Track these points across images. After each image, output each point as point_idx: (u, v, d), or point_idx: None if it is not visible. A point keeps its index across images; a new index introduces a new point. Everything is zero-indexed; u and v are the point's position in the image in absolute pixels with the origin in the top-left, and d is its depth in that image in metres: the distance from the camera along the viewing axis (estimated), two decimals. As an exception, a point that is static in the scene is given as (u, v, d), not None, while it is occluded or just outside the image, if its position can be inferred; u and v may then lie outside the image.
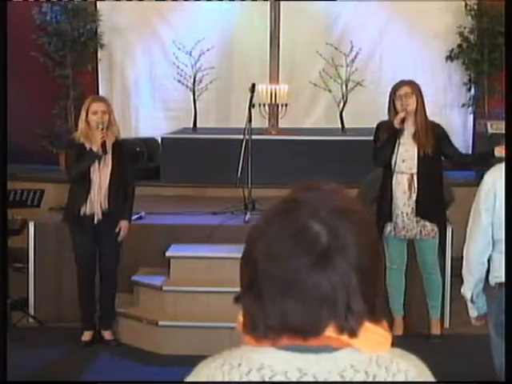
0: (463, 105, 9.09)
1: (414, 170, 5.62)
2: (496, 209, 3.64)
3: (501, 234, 3.62)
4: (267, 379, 1.25)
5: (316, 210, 1.25)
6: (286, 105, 8.32)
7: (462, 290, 3.84)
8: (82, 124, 5.61)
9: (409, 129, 5.63)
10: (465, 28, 8.86)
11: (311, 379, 1.24)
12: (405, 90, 5.60)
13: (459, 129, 9.17)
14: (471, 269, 3.76)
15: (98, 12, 9.20)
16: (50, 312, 6.26)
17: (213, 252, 6.03)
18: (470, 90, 9.06)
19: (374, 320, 1.27)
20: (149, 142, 8.71)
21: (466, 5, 8.84)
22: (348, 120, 8.65)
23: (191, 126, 8.90)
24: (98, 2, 9.30)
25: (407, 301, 5.95)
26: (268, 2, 8.59)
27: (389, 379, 1.26)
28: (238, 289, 1.30)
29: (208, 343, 5.29)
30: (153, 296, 5.98)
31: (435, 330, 5.87)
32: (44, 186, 6.92)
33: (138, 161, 8.22)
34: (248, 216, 6.58)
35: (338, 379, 1.25)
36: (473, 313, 3.84)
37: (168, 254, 6.06)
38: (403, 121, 5.58)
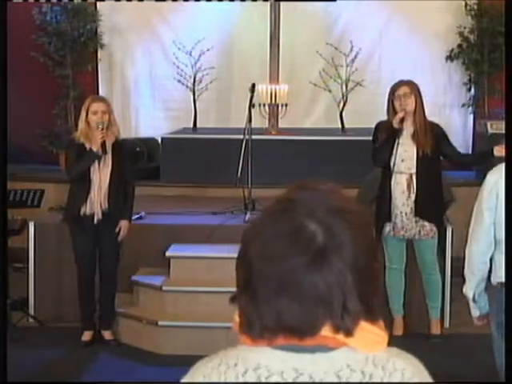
0: (463, 105, 9.09)
1: (413, 170, 5.62)
2: (498, 209, 3.64)
3: (503, 234, 3.63)
4: (263, 379, 1.25)
5: (312, 210, 1.25)
6: (286, 105, 8.32)
7: (463, 290, 3.84)
8: (81, 124, 5.61)
9: (408, 129, 5.63)
10: (465, 28, 8.86)
11: (307, 379, 1.24)
12: (404, 90, 5.60)
13: (459, 129, 9.18)
14: (473, 268, 3.77)
15: (97, 12, 9.20)
16: (50, 312, 6.27)
17: (213, 252, 6.03)
18: (470, 90, 9.06)
19: (370, 319, 1.27)
20: (149, 142, 8.72)
21: (466, 5, 8.84)
22: (348, 120, 8.65)
23: (191, 125, 8.90)
24: (98, 2, 9.30)
25: (407, 301, 5.95)
26: (268, 3, 8.59)
27: (385, 378, 1.26)
28: (237, 289, 1.30)
29: (208, 343, 5.28)
30: (153, 296, 5.98)
31: (435, 329, 5.87)
32: (44, 186, 6.92)
33: (138, 161, 8.22)
34: (248, 216, 6.58)
35: (335, 379, 1.25)
36: (475, 312, 3.84)
37: (168, 254, 6.07)
38: (402, 121, 5.58)
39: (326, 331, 1.24)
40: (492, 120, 8.20)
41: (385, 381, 1.26)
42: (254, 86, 7.18)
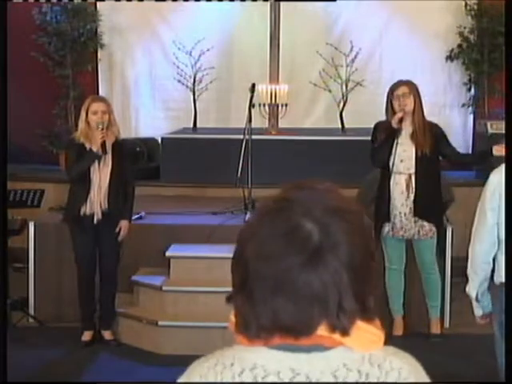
0: (463, 105, 9.08)
1: (412, 170, 5.62)
2: (501, 209, 3.64)
3: None
4: (260, 379, 1.25)
5: (308, 209, 1.25)
6: (286, 105, 8.32)
7: (467, 289, 3.84)
8: (81, 124, 5.61)
9: (407, 129, 5.63)
10: (465, 28, 8.85)
11: (304, 379, 1.24)
12: (402, 90, 5.60)
13: (459, 129, 9.18)
14: (476, 268, 3.77)
15: (97, 12, 9.20)
16: (50, 312, 6.27)
17: (213, 252, 6.03)
18: (470, 90, 9.05)
19: (366, 318, 1.27)
20: (149, 142, 8.71)
21: (466, 5, 8.83)
22: (348, 120, 8.65)
23: (191, 126, 8.90)
24: (97, 2, 9.30)
25: (407, 300, 5.95)
26: (268, 3, 8.59)
27: (382, 377, 1.26)
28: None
29: (207, 343, 5.28)
30: (153, 296, 5.98)
31: (435, 329, 5.87)
32: (44, 186, 6.92)
33: (138, 161, 8.22)
34: (248, 216, 6.58)
35: (331, 379, 1.25)
36: (478, 311, 3.85)
37: (168, 254, 6.07)
38: (401, 121, 5.57)
39: (322, 331, 1.24)
40: (492, 120, 8.20)
41: (381, 380, 1.26)
42: (253, 86, 7.18)
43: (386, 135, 5.62)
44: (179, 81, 8.94)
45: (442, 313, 5.96)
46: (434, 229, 5.68)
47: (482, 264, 3.75)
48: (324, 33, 9.19)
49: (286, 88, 8.39)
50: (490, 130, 8.05)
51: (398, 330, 5.85)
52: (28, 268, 6.38)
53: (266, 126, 8.46)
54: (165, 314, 5.83)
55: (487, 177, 3.77)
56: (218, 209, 6.96)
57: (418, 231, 5.67)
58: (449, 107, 9.22)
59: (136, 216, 6.33)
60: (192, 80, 8.89)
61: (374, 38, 9.21)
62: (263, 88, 8.23)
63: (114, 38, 9.36)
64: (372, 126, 5.93)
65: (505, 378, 3.43)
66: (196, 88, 8.88)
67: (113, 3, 9.22)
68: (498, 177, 3.68)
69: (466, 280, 3.86)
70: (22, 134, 8.75)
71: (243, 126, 6.96)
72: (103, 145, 5.53)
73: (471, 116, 9.15)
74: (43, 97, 9.02)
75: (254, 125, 7.00)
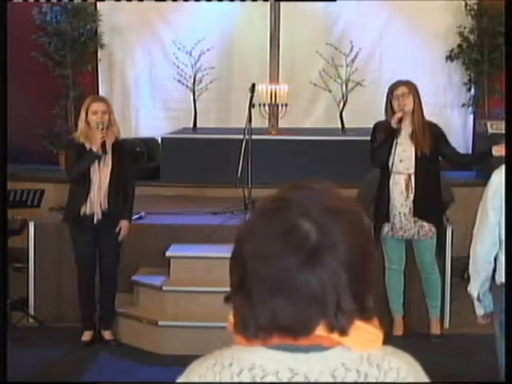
0: (463, 105, 9.08)
1: (412, 171, 5.61)
2: (503, 208, 3.64)
3: None
4: (258, 379, 1.25)
5: (306, 209, 1.25)
6: (286, 105, 8.32)
7: (468, 289, 3.85)
8: (81, 124, 5.61)
9: (406, 129, 5.63)
10: (465, 28, 8.85)
11: (302, 379, 1.24)
12: (402, 89, 5.59)
13: (459, 129, 9.18)
14: (478, 268, 3.77)
15: (97, 12, 9.20)
16: (50, 312, 6.27)
17: (213, 252, 6.03)
18: (470, 90, 9.05)
19: (364, 318, 1.26)
20: (149, 142, 8.72)
21: (466, 5, 8.83)
22: (348, 120, 8.65)
23: (191, 125, 8.90)
24: (97, 2, 9.30)
25: (407, 301, 5.95)
26: (268, 3, 8.59)
27: (380, 377, 1.26)
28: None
29: (207, 343, 5.28)
30: (153, 296, 5.98)
31: (435, 329, 5.87)
32: (44, 186, 6.92)
33: (138, 161, 8.22)
34: (248, 216, 6.58)
35: (330, 379, 1.24)
36: (479, 311, 3.85)
37: (168, 254, 6.07)
38: (400, 121, 5.57)
39: (320, 330, 1.24)
40: (492, 120, 8.20)
41: (380, 380, 1.26)
42: (253, 86, 7.18)
43: (385, 135, 5.62)
44: (179, 81, 8.94)
45: (441, 313, 5.96)
46: (433, 229, 5.68)
47: (483, 264, 3.75)
48: (324, 33, 9.19)
49: (286, 88, 8.39)
50: (490, 130, 8.05)
51: (398, 330, 5.85)
52: (28, 268, 6.38)
53: (266, 126, 8.46)
54: (165, 313, 5.83)
55: (487, 177, 3.77)
56: (218, 209, 6.96)
57: (418, 231, 5.67)
58: (449, 107, 9.22)
59: (136, 216, 6.33)
60: (192, 80, 8.89)
61: (374, 38, 9.21)
62: (263, 88, 8.23)
63: (114, 38, 9.37)
64: (372, 126, 5.93)
65: (505, 378, 3.43)
66: (196, 88, 8.89)
67: (113, 3, 9.22)
68: (500, 176, 3.68)
69: (468, 279, 3.87)
70: (22, 134, 8.75)
71: (243, 126, 6.96)
72: (103, 145, 5.53)
73: (471, 116, 9.15)
74: (43, 97, 9.02)
75: (254, 125, 7.00)
